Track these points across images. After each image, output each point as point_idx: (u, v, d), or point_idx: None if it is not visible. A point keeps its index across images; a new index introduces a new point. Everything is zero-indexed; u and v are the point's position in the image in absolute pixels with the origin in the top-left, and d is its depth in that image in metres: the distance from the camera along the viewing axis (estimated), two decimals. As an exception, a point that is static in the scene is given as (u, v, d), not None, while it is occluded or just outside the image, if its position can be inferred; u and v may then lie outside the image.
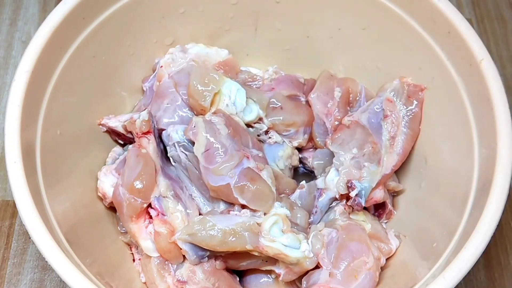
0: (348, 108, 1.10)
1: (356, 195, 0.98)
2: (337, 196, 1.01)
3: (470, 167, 0.89)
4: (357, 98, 1.10)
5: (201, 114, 1.00)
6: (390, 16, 1.00)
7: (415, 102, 1.02)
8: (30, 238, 0.89)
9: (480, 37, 0.91)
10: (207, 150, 0.94)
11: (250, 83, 1.12)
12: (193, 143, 0.96)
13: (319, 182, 1.03)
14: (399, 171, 1.05)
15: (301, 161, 1.12)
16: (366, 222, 1.01)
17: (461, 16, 0.92)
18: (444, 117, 0.98)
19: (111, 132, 1.07)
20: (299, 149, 1.11)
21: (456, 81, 0.93)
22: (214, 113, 0.98)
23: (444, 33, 0.94)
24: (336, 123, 1.08)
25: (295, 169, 1.12)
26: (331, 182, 1.01)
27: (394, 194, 1.08)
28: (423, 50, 0.98)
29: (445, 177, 0.97)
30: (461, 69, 0.93)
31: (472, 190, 0.87)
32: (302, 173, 1.14)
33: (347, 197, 1.00)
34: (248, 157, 0.96)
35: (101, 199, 1.02)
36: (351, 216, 1.01)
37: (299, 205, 1.02)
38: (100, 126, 1.06)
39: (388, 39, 1.04)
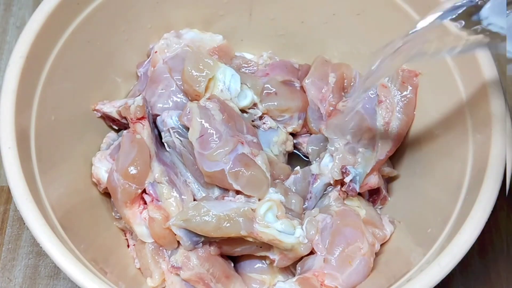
0: (343, 93, 1.10)
1: (351, 180, 0.98)
2: (332, 182, 1.01)
3: (464, 153, 0.89)
4: (352, 84, 1.10)
5: (196, 100, 1.00)
6: (385, 1, 1.00)
7: (410, 88, 1.01)
8: (24, 224, 0.89)
9: (475, 22, 0.91)
10: (202, 135, 0.94)
11: (245, 69, 1.11)
12: (187, 129, 0.96)
13: (314, 167, 1.04)
14: (393, 157, 1.05)
15: (295, 146, 1.12)
16: (360, 207, 1.01)
17: (456, 1, 0.92)
18: (438, 102, 0.98)
19: (106, 117, 1.07)
20: (294, 135, 1.11)
21: (451, 66, 0.93)
22: (209, 98, 0.98)
23: (439, 18, 0.93)
24: (331, 108, 1.07)
25: (289, 155, 1.11)
26: (326, 167, 1.01)
27: (388, 180, 1.08)
28: (418, 36, 0.98)
29: (439, 163, 0.97)
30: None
31: (467, 176, 0.87)
32: (297, 158, 1.14)
33: (341, 182, 1.00)
34: (242, 143, 0.96)
35: (96, 184, 1.02)
36: (345, 201, 1.01)
37: (294, 190, 1.02)
38: (95, 112, 1.06)
39: (382, 25, 1.03)
